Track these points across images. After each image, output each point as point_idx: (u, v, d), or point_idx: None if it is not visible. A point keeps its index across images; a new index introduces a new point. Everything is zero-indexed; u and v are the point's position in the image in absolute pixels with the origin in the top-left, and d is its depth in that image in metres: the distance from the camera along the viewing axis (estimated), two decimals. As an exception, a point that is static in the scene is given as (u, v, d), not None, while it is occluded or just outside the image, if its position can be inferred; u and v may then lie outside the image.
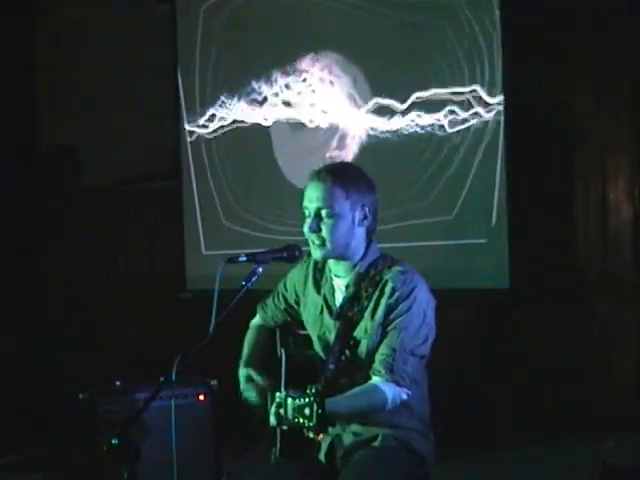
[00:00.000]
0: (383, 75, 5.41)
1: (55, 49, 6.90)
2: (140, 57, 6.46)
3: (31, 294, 6.75)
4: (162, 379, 2.63)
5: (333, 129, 5.62)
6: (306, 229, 2.78)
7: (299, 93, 5.76)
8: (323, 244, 2.75)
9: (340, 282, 2.85)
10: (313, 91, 5.70)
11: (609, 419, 4.91)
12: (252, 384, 2.95)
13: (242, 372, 3.01)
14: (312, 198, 2.76)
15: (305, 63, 5.72)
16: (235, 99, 6.03)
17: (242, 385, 2.99)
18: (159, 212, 6.52)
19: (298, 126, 5.75)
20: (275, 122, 5.86)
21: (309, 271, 2.96)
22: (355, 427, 2.80)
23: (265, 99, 5.90)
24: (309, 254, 2.86)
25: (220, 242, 6.04)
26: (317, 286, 2.92)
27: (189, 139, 6.26)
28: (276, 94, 5.85)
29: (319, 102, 5.68)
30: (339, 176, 2.76)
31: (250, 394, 2.94)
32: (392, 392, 2.67)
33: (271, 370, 2.89)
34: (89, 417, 4.29)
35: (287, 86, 5.80)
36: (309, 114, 5.71)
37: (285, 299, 3.06)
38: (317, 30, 5.68)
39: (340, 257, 2.80)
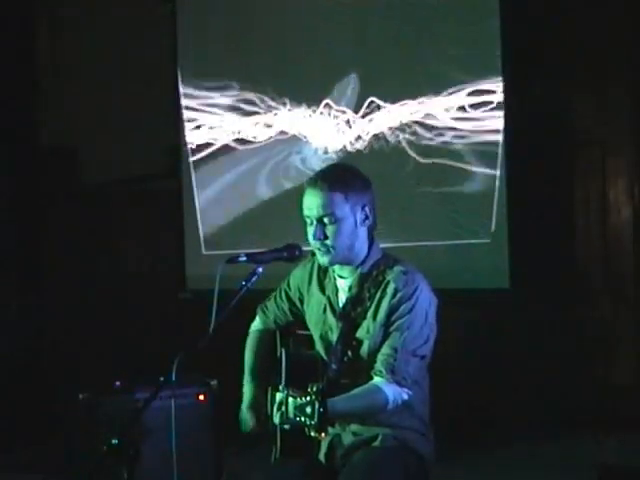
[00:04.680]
0: (378, 79, 5.42)
1: (55, 49, 6.90)
2: (140, 57, 6.47)
3: (31, 294, 6.75)
4: (162, 379, 2.62)
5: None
6: (311, 237, 2.78)
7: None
8: (329, 250, 2.76)
9: (343, 282, 2.85)
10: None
11: (609, 419, 4.91)
12: (254, 413, 2.91)
13: (249, 391, 2.97)
14: (312, 206, 2.76)
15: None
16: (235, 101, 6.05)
17: (245, 407, 2.96)
18: (159, 212, 6.52)
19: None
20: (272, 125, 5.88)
21: (313, 270, 2.96)
22: (355, 427, 2.80)
23: (264, 102, 5.91)
24: (312, 253, 2.86)
25: (220, 242, 6.04)
26: (321, 286, 2.92)
27: (189, 139, 6.26)
28: (273, 99, 5.87)
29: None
30: (336, 180, 2.76)
31: (248, 423, 2.92)
32: (393, 393, 2.67)
33: (273, 370, 2.89)
34: (89, 417, 4.29)
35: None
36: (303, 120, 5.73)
37: (289, 298, 3.05)
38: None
39: (346, 261, 2.81)
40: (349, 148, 5.52)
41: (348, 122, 5.52)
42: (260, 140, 5.93)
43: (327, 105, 5.62)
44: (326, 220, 2.74)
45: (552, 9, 5.16)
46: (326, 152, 5.63)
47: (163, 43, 6.39)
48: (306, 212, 2.79)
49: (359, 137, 5.48)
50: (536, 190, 5.15)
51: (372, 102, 5.41)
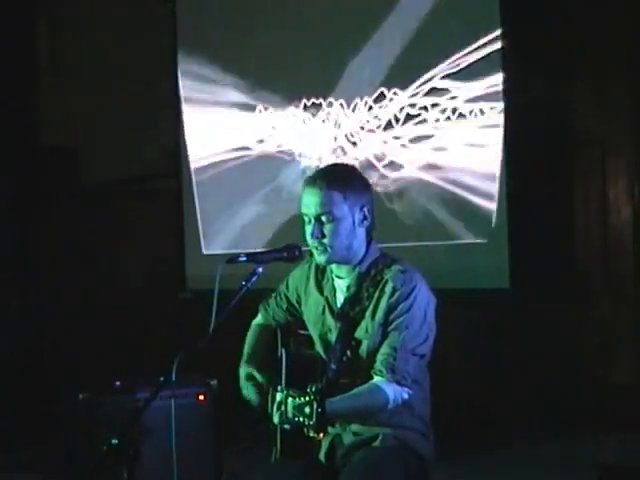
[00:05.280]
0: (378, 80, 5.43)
1: (55, 49, 6.90)
2: (140, 57, 6.47)
3: (31, 294, 6.75)
4: (162, 379, 2.63)
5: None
6: (308, 236, 2.78)
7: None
8: (326, 249, 2.76)
9: (341, 282, 2.85)
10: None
11: (609, 419, 4.90)
12: (252, 382, 2.94)
13: (243, 370, 3.00)
14: (310, 204, 2.76)
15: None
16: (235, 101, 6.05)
17: (242, 382, 2.99)
18: (159, 212, 6.52)
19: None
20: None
21: (311, 271, 2.96)
22: (355, 427, 2.80)
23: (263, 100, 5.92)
24: (311, 253, 2.86)
25: (220, 242, 6.04)
26: (319, 286, 2.92)
27: (189, 139, 6.26)
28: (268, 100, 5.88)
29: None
30: (335, 179, 2.76)
31: (249, 392, 2.94)
32: (393, 392, 2.67)
33: (272, 369, 2.89)
34: (89, 417, 4.30)
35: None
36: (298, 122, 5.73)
37: (287, 298, 3.07)
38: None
39: (343, 260, 2.81)
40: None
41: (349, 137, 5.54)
42: (260, 140, 5.94)
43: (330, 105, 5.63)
44: (324, 218, 2.74)
45: (552, 9, 5.15)
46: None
47: (163, 43, 6.39)
48: (304, 210, 2.79)
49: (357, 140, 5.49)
50: (536, 190, 5.14)
51: (369, 104, 5.42)
